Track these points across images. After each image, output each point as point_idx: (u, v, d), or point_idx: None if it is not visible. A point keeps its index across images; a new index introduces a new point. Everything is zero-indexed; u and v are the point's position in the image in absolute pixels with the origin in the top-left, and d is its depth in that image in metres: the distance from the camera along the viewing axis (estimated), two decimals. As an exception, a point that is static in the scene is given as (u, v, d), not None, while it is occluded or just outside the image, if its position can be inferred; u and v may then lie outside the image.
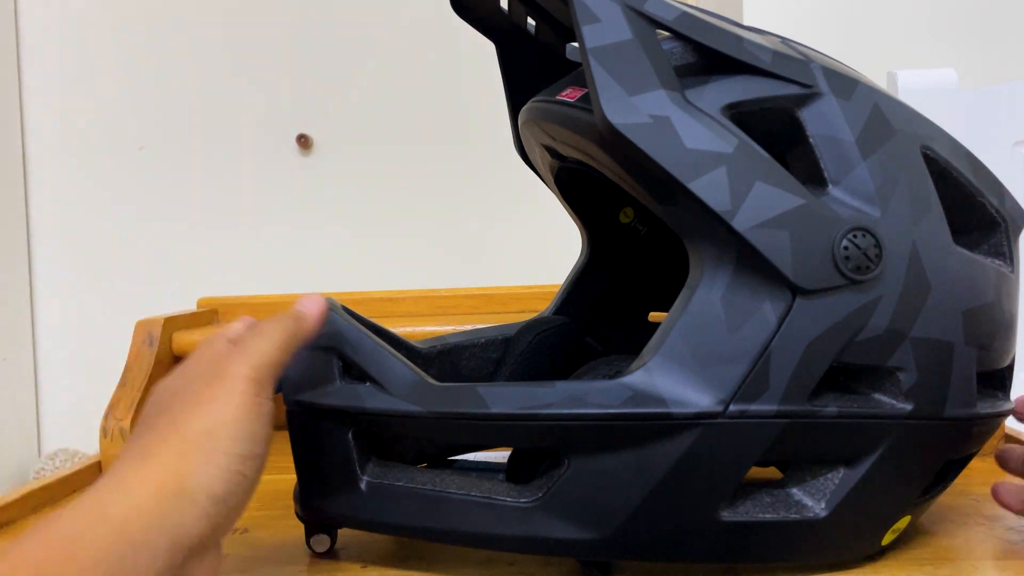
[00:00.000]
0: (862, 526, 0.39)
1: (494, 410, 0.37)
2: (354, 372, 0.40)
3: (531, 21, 0.49)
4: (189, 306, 0.78)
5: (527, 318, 0.65)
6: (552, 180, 0.51)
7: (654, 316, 0.56)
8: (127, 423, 0.60)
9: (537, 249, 1.92)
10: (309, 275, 1.66)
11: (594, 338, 0.55)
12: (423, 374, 0.39)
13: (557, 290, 0.55)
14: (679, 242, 0.38)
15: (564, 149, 0.44)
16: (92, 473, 0.60)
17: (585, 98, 0.39)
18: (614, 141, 0.35)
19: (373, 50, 1.82)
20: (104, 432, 0.61)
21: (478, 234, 1.81)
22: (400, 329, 0.67)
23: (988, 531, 0.44)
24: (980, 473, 0.53)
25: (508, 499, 0.38)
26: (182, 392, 0.33)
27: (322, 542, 0.43)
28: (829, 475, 0.38)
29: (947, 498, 0.49)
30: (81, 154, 1.64)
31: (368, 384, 0.39)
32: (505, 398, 0.37)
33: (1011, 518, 0.46)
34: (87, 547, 0.27)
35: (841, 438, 0.37)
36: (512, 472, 0.41)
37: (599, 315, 0.55)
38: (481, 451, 0.51)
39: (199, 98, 1.65)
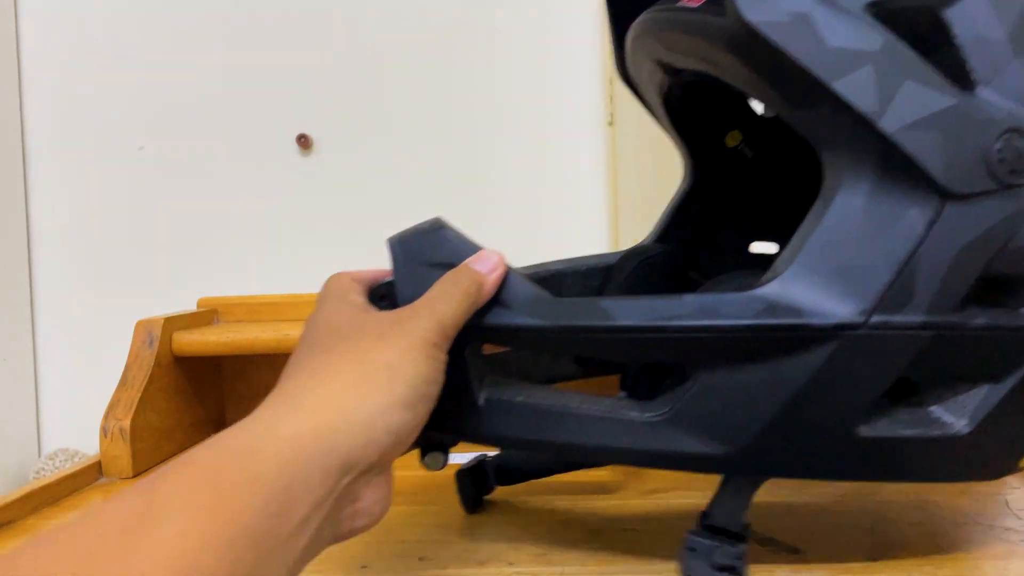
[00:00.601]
0: (1005, 443, 0.38)
1: (620, 323, 0.36)
2: None
3: None
4: (189, 306, 0.78)
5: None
6: (659, 101, 0.50)
7: (756, 247, 0.55)
8: (127, 423, 0.60)
9: (537, 249, 1.92)
10: (309, 275, 1.66)
11: (695, 269, 0.54)
12: (542, 290, 0.39)
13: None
14: (787, 168, 0.37)
15: (682, 60, 0.42)
16: (92, 473, 0.60)
17: (709, 3, 0.38)
18: (749, 41, 0.34)
19: (373, 50, 1.82)
20: (104, 432, 0.61)
21: (478, 234, 1.80)
22: (400, 329, 0.67)
23: (988, 531, 0.44)
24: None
25: (633, 414, 0.37)
26: (361, 328, 0.34)
27: (437, 460, 0.43)
28: (972, 392, 0.37)
29: (947, 498, 0.49)
30: (81, 154, 1.64)
31: None
32: (631, 311, 0.36)
33: (1011, 518, 0.46)
34: (260, 461, 0.27)
35: (988, 352, 0.36)
36: (634, 389, 0.41)
37: (700, 244, 0.53)
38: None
39: (199, 98, 1.65)
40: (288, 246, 1.63)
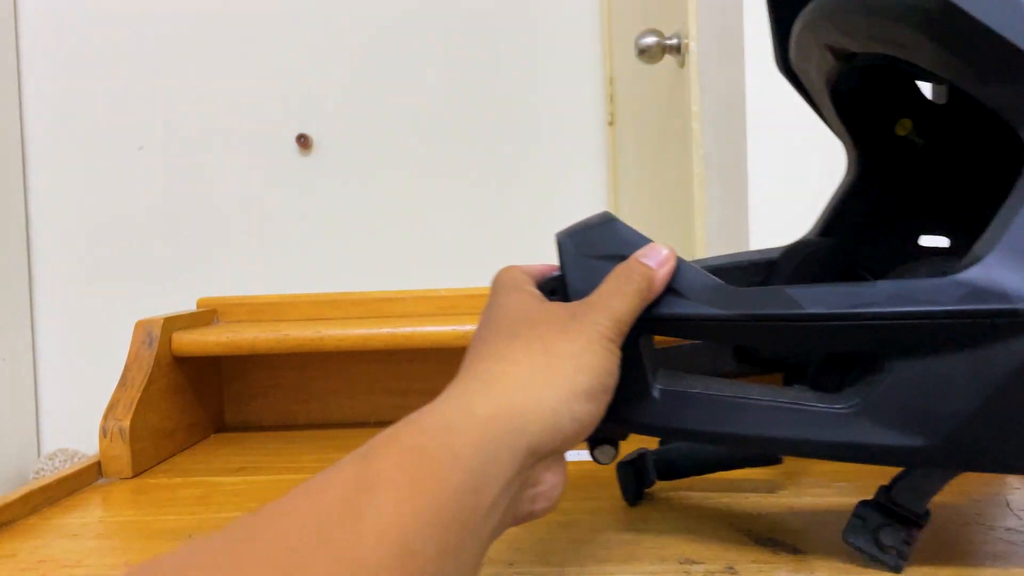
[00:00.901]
0: None
1: (809, 311, 0.36)
2: None
3: None
4: (189, 306, 0.78)
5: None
6: (826, 90, 0.49)
7: (925, 240, 0.53)
8: (127, 423, 0.60)
9: (537, 249, 1.92)
10: (309, 274, 1.66)
11: (860, 263, 0.53)
12: (719, 280, 0.38)
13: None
14: (959, 157, 0.37)
15: (860, 44, 0.42)
16: (92, 473, 0.60)
17: None
18: (944, 17, 0.33)
19: (373, 51, 1.82)
20: (104, 432, 0.61)
21: (478, 234, 1.81)
22: (400, 329, 0.67)
23: (989, 532, 0.44)
24: (978, 475, 0.53)
25: (821, 405, 0.37)
26: (542, 318, 0.35)
27: (607, 453, 0.43)
28: None
29: (948, 499, 0.49)
30: (81, 154, 1.64)
31: None
32: (821, 298, 0.36)
33: (1011, 519, 0.46)
34: (459, 436, 0.28)
35: None
36: (817, 379, 0.40)
37: (866, 238, 0.52)
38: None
39: (199, 98, 1.65)
40: (288, 246, 1.63)
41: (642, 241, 0.38)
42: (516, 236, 1.73)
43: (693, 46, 1.29)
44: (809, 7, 0.44)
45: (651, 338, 0.40)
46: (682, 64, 1.35)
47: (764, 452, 0.39)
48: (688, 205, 1.31)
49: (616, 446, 0.43)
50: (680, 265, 0.38)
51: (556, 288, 0.40)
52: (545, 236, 1.74)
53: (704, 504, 0.47)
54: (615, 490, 0.52)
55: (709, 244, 1.27)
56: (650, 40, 1.37)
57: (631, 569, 0.40)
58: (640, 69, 1.53)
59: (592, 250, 0.39)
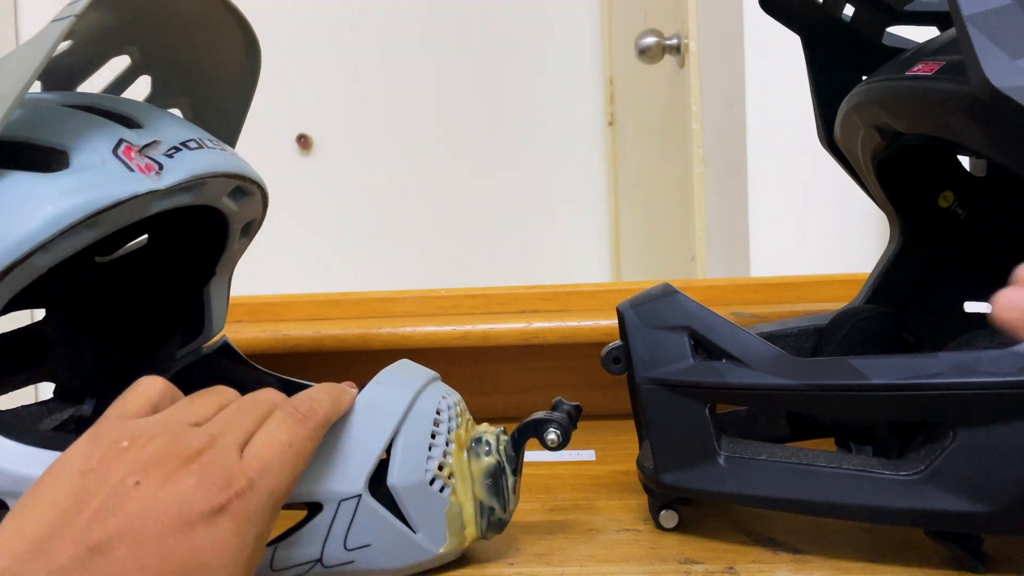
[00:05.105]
0: None
1: (874, 381, 0.37)
2: (703, 350, 0.41)
3: (846, 10, 0.49)
4: (189, 306, 0.78)
5: (527, 318, 0.65)
6: (871, 165, 0.51)
7: (969, 307, 0.56)
8: (127, 423, 0.60)
9: (537, 249, 1.92)
10: (308, 275, 1.67)
11: (906, 330, 0.55)
12: (781, 350, 0.40)
13: (560, 291, 0.55)
14: (1000, 225, 0.39)
15: (908, 125, 0.44)
16: (92, 473, 0.60)
17: (944, 70, 0.39)
18: (994, 105, 0.34)
19: (373, 51, 1.82)
20: (104, 432, 0.61)
21: (478, 234, 1.81)
22: (400, 329, 0.67)
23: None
24: None
25: (886, 472, 0.38)
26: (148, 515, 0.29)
27: (671, 518, 0.44)
28: None
29: None
30: (81, 154, 1.64)
31: (724, 360, 0.40)
32: (884, 369, 0.37)
33: None
34: None
35: None
36: (880, 447, 0.42)
37: (911, 304, 0.54)
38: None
39: (199, 98, 1.66)
40: (288, 246, 1.63)
41: (702, 311, 0.40)
42: (516, 236, 1.73)
43: (693, 46, 1.29)
44: (857, 90, 0.45)
45: (715, 406, 0.41)
46: (682, 64, 1.35)
47: (835, 518, 0.40)
48: (688, 205, 1.31)
49: (680, 512, 0.44)
50: (744, 335, 0.40)
51: (619, 357, 0.42)
52: (545, 236, 1.75)
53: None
54: (614, 490, 0.52)
55: (709, 244, 1.27)
56: (650, 40, 1.37)
57: (631, 569, 0.40)
58: (640, 69, 1.52)
59: (656, 321, 0.41)
